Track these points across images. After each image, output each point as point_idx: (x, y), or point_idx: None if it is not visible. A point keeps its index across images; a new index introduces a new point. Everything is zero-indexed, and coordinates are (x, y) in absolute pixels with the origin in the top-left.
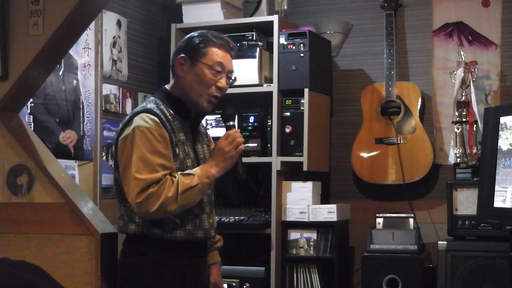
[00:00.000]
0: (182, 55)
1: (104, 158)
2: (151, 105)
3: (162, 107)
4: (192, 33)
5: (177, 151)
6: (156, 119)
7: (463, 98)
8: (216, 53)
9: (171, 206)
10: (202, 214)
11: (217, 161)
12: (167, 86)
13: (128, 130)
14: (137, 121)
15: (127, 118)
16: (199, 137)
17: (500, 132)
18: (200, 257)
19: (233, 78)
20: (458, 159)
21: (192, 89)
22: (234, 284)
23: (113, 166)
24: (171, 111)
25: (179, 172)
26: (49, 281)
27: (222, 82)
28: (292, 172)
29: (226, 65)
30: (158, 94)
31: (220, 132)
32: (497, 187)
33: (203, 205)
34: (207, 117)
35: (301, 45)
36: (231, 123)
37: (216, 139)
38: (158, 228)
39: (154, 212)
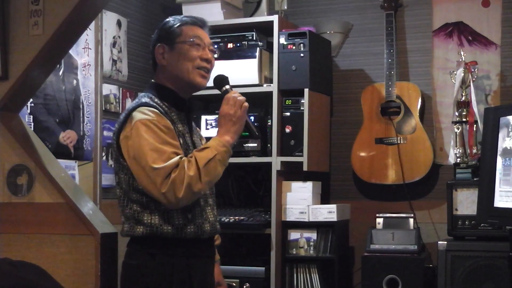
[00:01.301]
0: (159, 44)
1: (104, 158)
2: (145, 99)
3: (156, 100)
4: (161, 23)
5: (181, 141)
6: (156, 110)
7: (463, 98)
8: (191, 29)
9: (197, 185)
10: (207, 206)
11: (227, 127)
12: (154, 80)
13: (129, 127)
14: (137, 115)
15: (123, 115)
16: (193, 129)
17: (511, 133)
18: (208, 257)
19: (215, 50)
20: (458, 159)
21: (180, 70)
22: (234, 284)
23: (114, 168)
24: (165, 103)
25: (194, 150)
26: (50, 282)
27: (206, 53)
28: (292, 172)
29: (204, 38)
30: (148, 89)
31: None
32: (507, 188)
33: (207, 196)
34: (207, 117)
35: (301, 45)
36: (227, 87)
37: None
38: (169, 226)
39: (182, 197)
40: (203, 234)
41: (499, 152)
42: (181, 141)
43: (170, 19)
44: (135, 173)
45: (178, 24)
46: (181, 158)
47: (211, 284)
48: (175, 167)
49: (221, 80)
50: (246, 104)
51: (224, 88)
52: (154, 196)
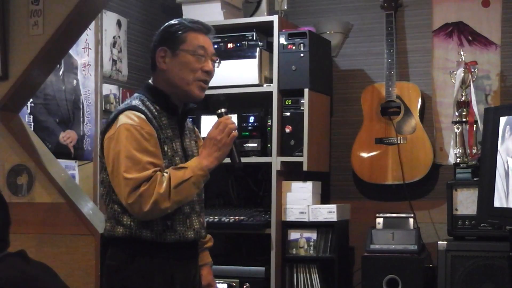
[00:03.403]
0: (161, 47)
1: None
2: (136, 102)
3: (147, 103)
4: (166, 24)
5: (166, 148)
6: (142, 116)
7: (463, 98)
8: (196, 37)
9: (164, 203)
10: (193, 214)
11: (210, 151)
12: (151, 81)
13: (113, 129)
14: (122, 119)
15: (111, 116)
16: (186, 133)
17: None
18: (190, 259)
19: (217, 61)
20: (458, 159)
21: (180, 79)
22: (234, 284)
23: (99, 166)
24: (157, 107)
25: (171, 167)
26: (57, 282)
27: (208, 65)
28: (292, 172)
29: (207, 48)
30: (142, 90)
31: None
32: None
33: (193, 203)
34: (207, 117)
35: (301, 45)
36: (222, 110)
37: None
38: (148, 230)
39: (148, 211)
40: (186, 241)
41: (510, 154)
42: (166, 147)
43: (175, 22)
44: (110, 176)
45: (184, 30)
46: (155, 171)
47: (194, 284)
48: (146, 180)
49: (218, 103)
50: (235, 132)
51: (219, 111)
52: (123, 203)
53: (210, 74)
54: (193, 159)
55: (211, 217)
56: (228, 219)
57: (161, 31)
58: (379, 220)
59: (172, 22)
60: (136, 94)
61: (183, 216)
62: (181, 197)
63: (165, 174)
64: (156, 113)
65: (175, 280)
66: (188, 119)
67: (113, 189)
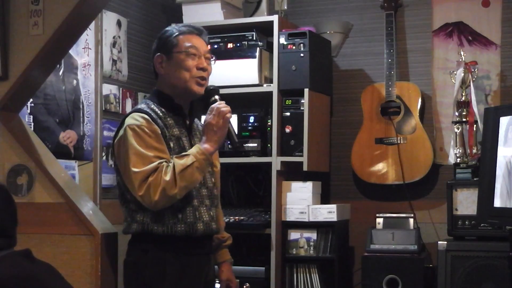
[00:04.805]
0: (158, 54)
1: (104, 158)
2: (141, 106)
3: (153, 106)
4: (160, 32)
5: (172, 145)
6: (146, 116)
7: (463, 98)
8: (187, 39)
9: (172, 190)
10: (201, 207)
11: (209, 136)
12: (156, 88)
13: (121, 132)
14: (128, 121)
15: (121, 120)
16: (196, 133)
17: None
18: (202, 254)
19: (212, 58)
20: (458, 159)
21: (177, 79)
22: None
23: (114, 169)
24: (163, 109)
25: (174, 156)
26: (60, 283)
27: (202, 62)
28: (292, 172)
29: (200, 47)
30: (150, 95)
31: None
32: None
33: (203, 198)
34: None
35: (301, 45)
36: (216, 97)
37: None
38: (159, 224)
39: (158, 200)
40: (196, 233)
41: None
42: (172, 144)
43: (168, 28)
44: (122, 175)
45: (175, 34)
46: (160, 163)
47: (208, 281)
48: (153, 171)
49: (210, 91)
50: (228, 115)
51: (212, 98)
52: (136, 197)
53: (205, 70)
54: (195, 146)
55: None
56: (228, 219)
57: (157, 40)
58: (379, 220)
59: (165, 29)
60: (143, 100)
61: (192, 209)
62: (187, 182)
63: (170, 164)
64: (161, 114)
65: (186, 273)
66: (197, 121)
67: (127, 190)
